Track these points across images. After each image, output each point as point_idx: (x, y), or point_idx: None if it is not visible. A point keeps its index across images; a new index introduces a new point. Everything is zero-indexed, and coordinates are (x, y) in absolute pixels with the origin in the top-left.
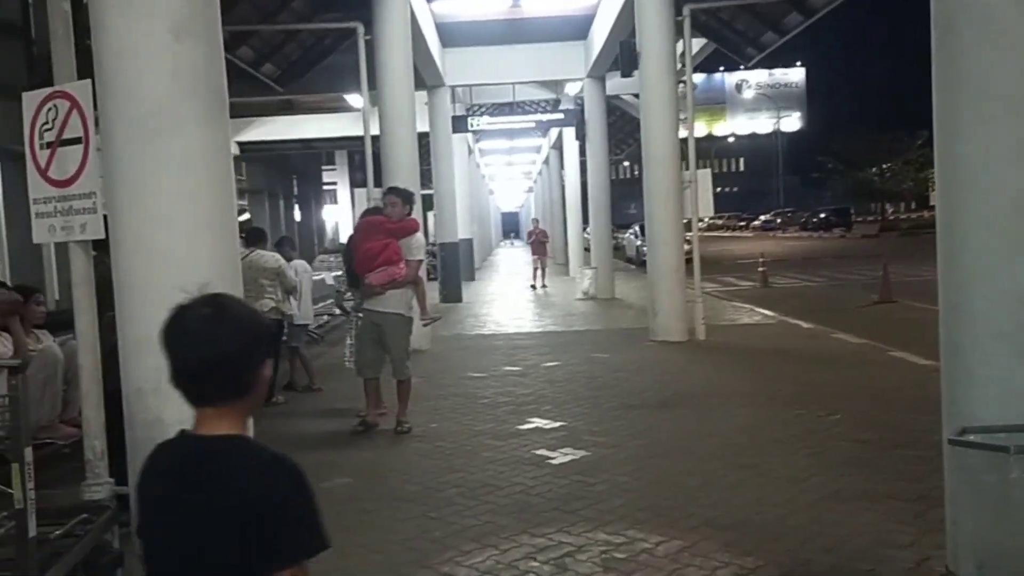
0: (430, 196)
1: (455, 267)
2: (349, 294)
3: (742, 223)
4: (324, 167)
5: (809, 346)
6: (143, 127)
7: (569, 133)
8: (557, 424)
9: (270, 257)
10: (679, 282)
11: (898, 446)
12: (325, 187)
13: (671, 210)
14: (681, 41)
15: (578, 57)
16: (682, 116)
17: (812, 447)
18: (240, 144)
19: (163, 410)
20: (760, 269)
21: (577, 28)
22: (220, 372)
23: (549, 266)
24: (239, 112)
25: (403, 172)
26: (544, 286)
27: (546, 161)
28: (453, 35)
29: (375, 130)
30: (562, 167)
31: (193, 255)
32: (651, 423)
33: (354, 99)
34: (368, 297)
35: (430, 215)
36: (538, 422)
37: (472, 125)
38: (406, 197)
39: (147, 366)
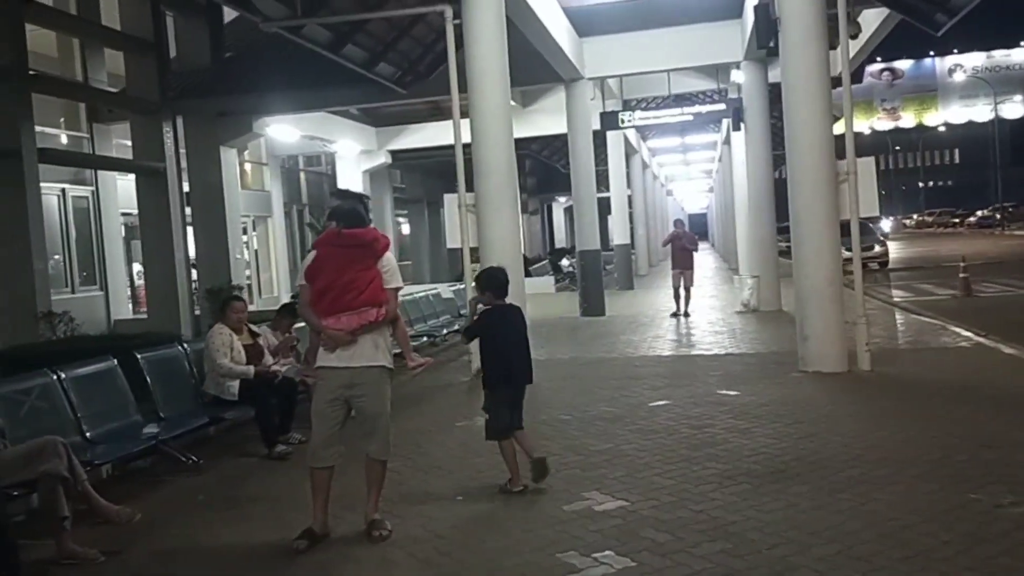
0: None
1: (596, 278)
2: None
3: (955, 220)
4: None
5: (1008, 382)
6: None
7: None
8: (617, 504)
9: None
10: (834, 298)
11: None
12: None
13: (822, 209)
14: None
15: (734, 38)
16: (887, 106)
17: (974, 567)
18: (392, 152)
19: None
20: (961, 275)
21: (730, 5)
22: None
23: (710, 275)
24: (384, 121)
25: (496, 176)
26: (687, 314)
27: (720, 159)
28: (590, 23)
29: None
30: (731, 163)
31: None
32: (746, 509)
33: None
34: (328, 350)
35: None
36: (594, 498)
37: (623, 121)
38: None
39: None
